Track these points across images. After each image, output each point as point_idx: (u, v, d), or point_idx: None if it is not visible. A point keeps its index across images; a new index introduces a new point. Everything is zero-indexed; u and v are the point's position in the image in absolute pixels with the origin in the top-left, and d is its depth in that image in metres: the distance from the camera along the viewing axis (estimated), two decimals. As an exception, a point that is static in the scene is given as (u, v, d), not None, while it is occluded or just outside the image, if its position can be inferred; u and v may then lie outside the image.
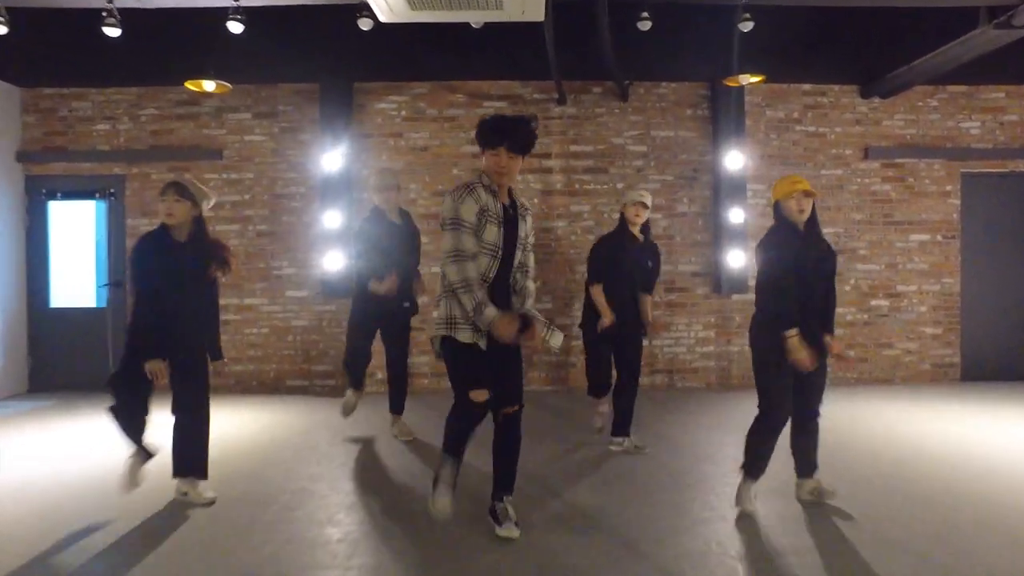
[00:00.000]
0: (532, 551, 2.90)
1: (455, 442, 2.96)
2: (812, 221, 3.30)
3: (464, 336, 2.88)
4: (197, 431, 3.48)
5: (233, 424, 5.30)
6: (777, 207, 3.34)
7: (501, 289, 2.99)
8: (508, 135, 2.86)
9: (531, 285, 3.14)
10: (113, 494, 3.46)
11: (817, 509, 3.35)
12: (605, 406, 4.61)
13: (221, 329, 3.70)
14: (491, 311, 2.78)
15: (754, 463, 3.32)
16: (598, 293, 4.35)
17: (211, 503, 3.46)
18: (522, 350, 3.12)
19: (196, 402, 3.45)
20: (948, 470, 3.99)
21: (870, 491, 3.62)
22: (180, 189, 3.32)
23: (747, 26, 4.53)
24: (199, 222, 3.43)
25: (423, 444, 4.60)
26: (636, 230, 4.44)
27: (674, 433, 4.93)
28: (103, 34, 4.50)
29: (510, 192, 3.03)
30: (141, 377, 3.25)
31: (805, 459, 3.44)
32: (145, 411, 3.42)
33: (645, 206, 4.41)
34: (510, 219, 2.97)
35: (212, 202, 3.49)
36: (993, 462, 4.13)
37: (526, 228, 3.06)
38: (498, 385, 2.97)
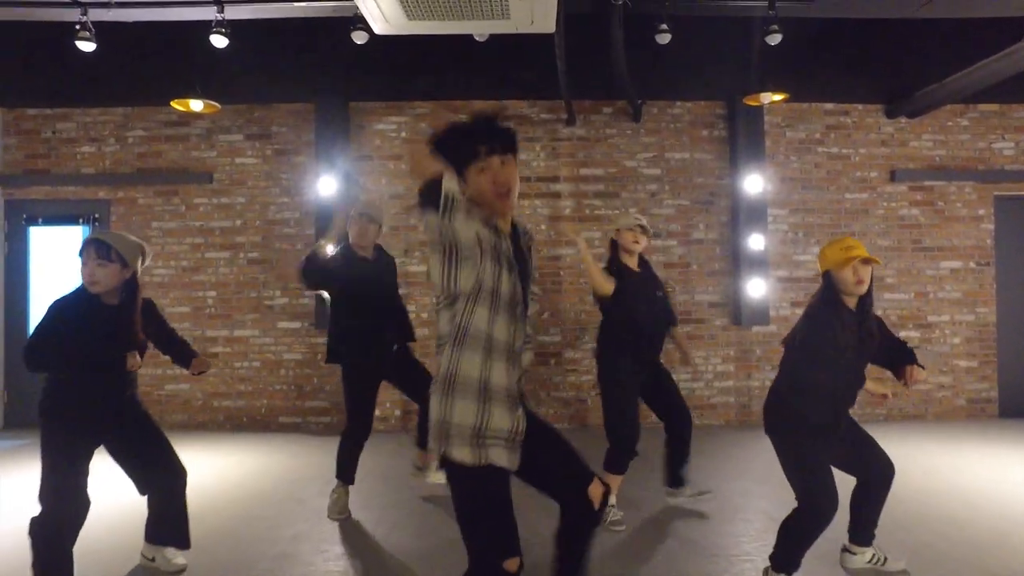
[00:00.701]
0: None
1: None
2: (867, 293, 2.73)
3: (499, 457, 1.84)
4: (176, 495, 3.01)
5: (218, 467, 4.89)
6: (827, 278, 2.76)
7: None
8: (489, 137, 1.91)
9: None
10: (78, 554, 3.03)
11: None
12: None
13: (209, 366, 3.25)
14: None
15: (791, 556, 2.77)
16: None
17: (180, 572, 3.04)
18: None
19: (166, 461, 3.00)
20: (996, 518, 3.55)
21: (911, 541, 3.17)
22: (103, 249, 2.69)
23: (775, 39, 4.17)
24: (131, 286, 2.81)
25: (428, 495, 4.17)
26: (633, 261, 3.75)
27: (693, 479, 4.49)
28: (87, 52, 4.20)
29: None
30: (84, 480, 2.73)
31: (868, 524, 2.98)
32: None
33: (644, 230, 3.73)
34: (521, 256, 1.99)
35: (149, 258, 2.90)
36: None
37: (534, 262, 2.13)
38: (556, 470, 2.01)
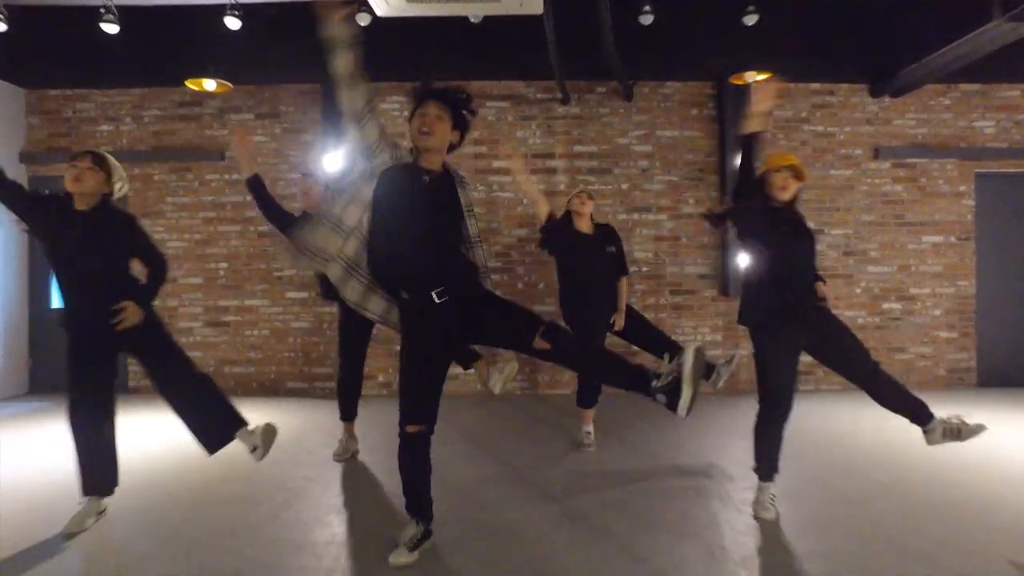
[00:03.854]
0: (526, 552, 2.79)
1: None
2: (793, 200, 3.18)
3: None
4: (205, 390, 3.17)
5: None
6: (762, 178, 3.17)
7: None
8: (430, 91, 2.65)
9: None
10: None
11: (828, 514, 3.22)
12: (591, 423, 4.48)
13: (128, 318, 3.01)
14: None
15: (765, 457, 3.19)
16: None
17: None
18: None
19: (180, 366, 3.13)
20: (970, 477, 3.83)
21: (886, 498, 3.47)
22: (98, 159, 2.97)
23: (751, 19, 4.44)
24: (109, 201, 3.04)
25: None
26: (583, 222, 4.40)
27: (678, 439, 4.80)
28: (107, 35, 4.49)
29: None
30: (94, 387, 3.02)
31: (908, 408, 3.16)
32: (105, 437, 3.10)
33: (589, 195, 4.42)
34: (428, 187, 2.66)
35: (124, 190, 3.14)
36: (1017, 468, 3.97)
37: (467, 199, 2.79)
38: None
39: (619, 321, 4.37)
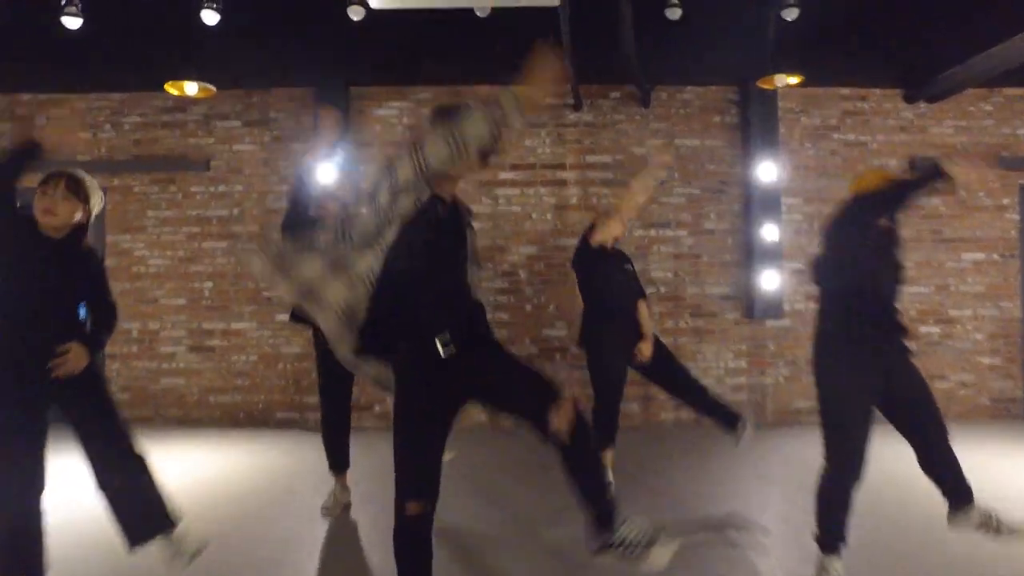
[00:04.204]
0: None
1: None
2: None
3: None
4: (139, 471, 2.63)
5: (212, 465, 4.76)
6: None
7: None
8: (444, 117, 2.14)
9: None
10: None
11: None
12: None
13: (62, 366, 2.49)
14: None
15: (828, 527, 2.63)
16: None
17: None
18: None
19: (117, 436, 2.61)
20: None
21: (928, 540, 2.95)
22: (73, 184, 2.53)
23: (792, 14, 3.96)
24: (80, 231, 2.61)
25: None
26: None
27: (705, 483, 4.28)
28: (86, 37, 4.06)
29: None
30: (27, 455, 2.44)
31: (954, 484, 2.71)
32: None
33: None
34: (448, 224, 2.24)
35: (99, 208, 2.69)
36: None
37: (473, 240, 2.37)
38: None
39: (645, 350, 3.85)
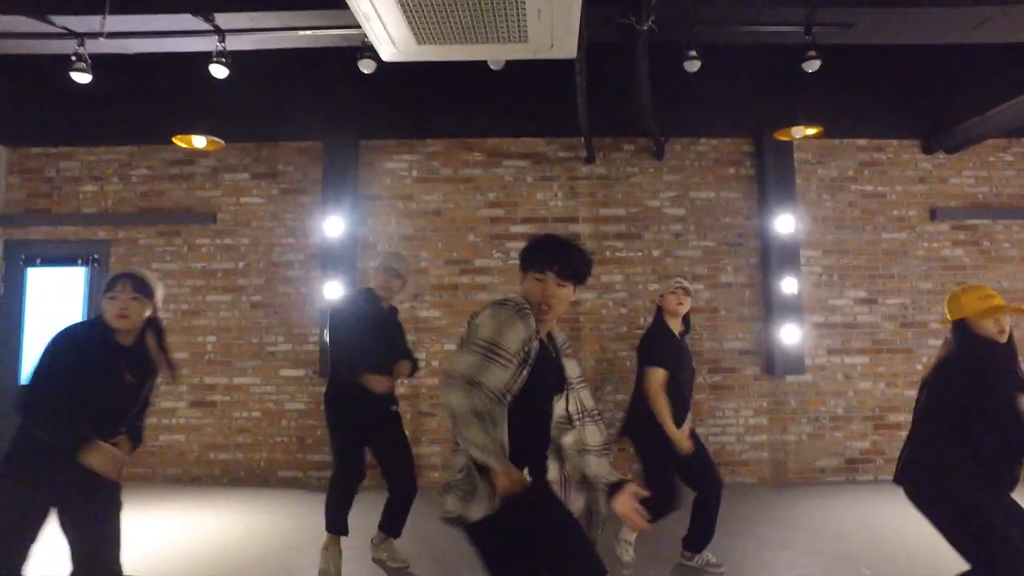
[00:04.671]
0: None
1: None
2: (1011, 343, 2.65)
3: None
4: None
5: (209, 527, 4.53)
6: (964, 327, 2.65)
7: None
8: (557, 257, 2.16)
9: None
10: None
11: None
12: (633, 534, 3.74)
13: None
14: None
15: None
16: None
17: None
18: None
19: (110, 556, 2.47)
20: None
21: None
22: (139, 284, 2.52)
23: (813, 66, 3.87)
24: (153, 325, 2.61)
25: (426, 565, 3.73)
26: (676, 323, 3.71)
27: (723, 535, 4.01)
28: (98, 91, 4.02)
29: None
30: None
31: None
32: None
33: (687, 292, 3.70)
34: (551, 360, 2.21)
35: (162, 297, 2.66)
36: None
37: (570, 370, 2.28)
38: None
39: (684, 442, 3.52)
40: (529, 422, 2.10)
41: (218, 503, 5.20)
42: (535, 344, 2.06)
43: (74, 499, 2.38)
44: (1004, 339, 2.58)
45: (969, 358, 2.59)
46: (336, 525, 3.59)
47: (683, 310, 3.66)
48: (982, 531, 2.40)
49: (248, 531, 4.51)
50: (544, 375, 2.12)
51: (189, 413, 5.98)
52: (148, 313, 2.54)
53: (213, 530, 4.50)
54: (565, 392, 2.22)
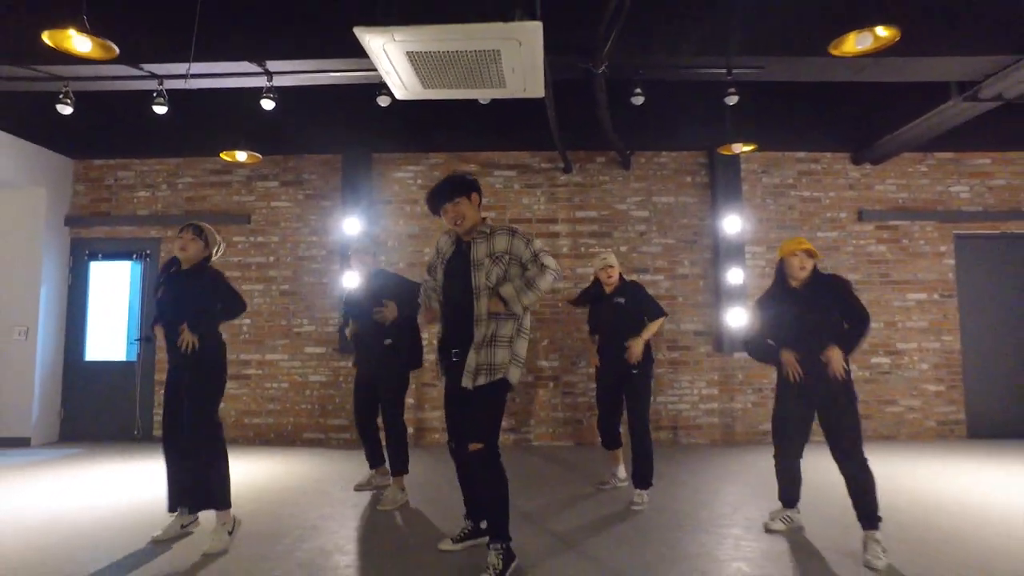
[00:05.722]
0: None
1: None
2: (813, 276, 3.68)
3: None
4: (209, 461, 3.60)
5: (250, 473, 5.54)
6: (779, 264, 3.76)
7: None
8: (440, 194, 3.28)
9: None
10: (137, 531, 3.71)
11: (825, 550, 3.49)
12: (620, 469, 4.94)
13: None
14: None
15: (779, 488, 3.84)
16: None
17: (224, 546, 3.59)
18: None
19: (200, 426, 3.58)
20: (958, 520, 4.08)
21: (890, 545, 3.62)
22: (197, 230, 3.71)
23: (732, 100, 4.94)
24: (206, 263, 3.75)
25: (434, 492, 4.80)
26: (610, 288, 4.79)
27: (675, 483, 5.08)
28: (149, 110, 5.05)
29: (487, 225, 3.35)
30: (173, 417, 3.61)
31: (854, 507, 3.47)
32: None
33: (611, 266, 4.78)
34: (462, 253, 3.31)
35: (222, 250, 3.82)
36: (1000, 513, 4.22)
37: (490, 249, 3.22)
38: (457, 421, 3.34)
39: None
40: (448, 311, 3.27)
41: (253, 459, 6.24)
42: (450, 250, 3.32)
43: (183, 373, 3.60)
44: (804, 274, 3.61)
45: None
46: (370, 456, 4.76)
47: (612, 281, 4.71)
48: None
49: (284, 474, 5.57)
50: (453, 274, 3.26)
51: (228, 385, 7.02)
52: (205, 253, 3.71)
53: (256, 474, 5.55)
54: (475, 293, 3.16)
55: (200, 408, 3.58)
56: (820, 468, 4.66)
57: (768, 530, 3.81)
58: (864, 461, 3.38)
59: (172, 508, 3.75)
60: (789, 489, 3.86)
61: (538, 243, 3.31)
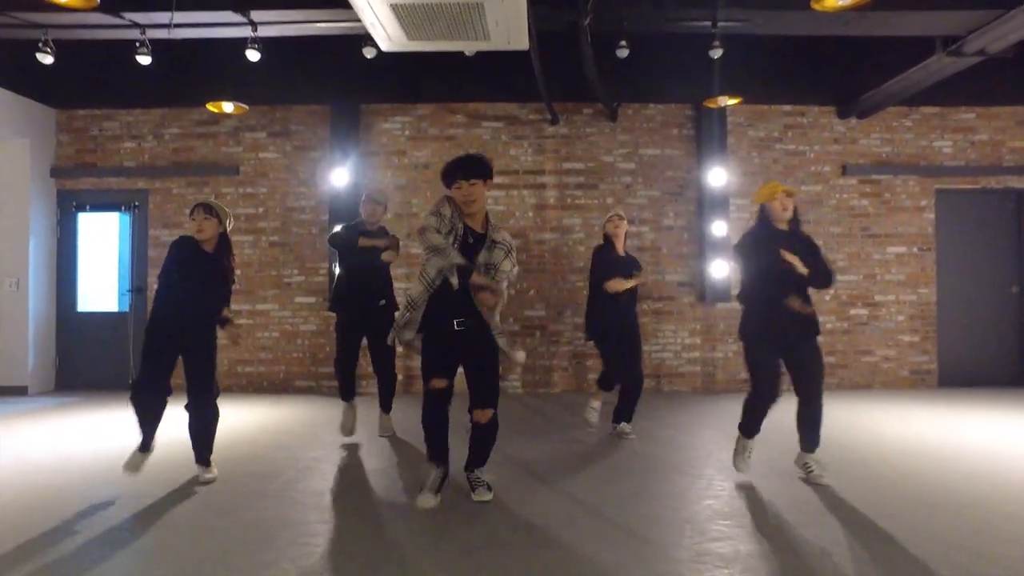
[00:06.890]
0: (510, 521, 3.28)
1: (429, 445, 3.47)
2: (794, 220, 3.79)
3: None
4: (210, 419, 3.83)
5: (243, 418, 5.72)
6: (761, 209, 3.80)
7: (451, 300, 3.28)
8: (461, 168, 3.32)
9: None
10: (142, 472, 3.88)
11: (792, 491, 3.69)
12: (598, 402, 5.04)
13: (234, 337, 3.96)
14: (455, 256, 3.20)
15: (746, 424, 3.85)
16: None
17: (213, 479, 3.84)
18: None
19: (207, 390, 3.78)
20: (934, 467, 4.28)
21: (849, 483, 3.79)
22: (209, 208, 3.73)
23: (716, 53, 4.97)
24: (224, 237, 3.81)
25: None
26: (620, 244, 4.90)
27: (657, 427, 5.29)
28: (132, 60, 5.03)
29: (489, 223, 3.46)
30: (160, 372, 3.67)
31: (803, 436, 3.78)
32: (161, 407, 3.76)
33: (621, 218, 4.91)
34: (469, 246, 3.33)
35: (231, 223, 3.85)
36: (969, 458, 4.44)
37: (488, 258, 3.35)
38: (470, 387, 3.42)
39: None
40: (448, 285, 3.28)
41: (245, 406, 6.40)
42: (459, 225, 3.29)
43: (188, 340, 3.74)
44: (787, 215, 3.70)
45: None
46: (345, 393, 4.92)
47: (621, 233, 4.84)
48: (749, 364, 3.76)
49: (276, 420, 5.75)
50: (460, 251, 3.26)
51: (220, 334, 7.16)
52: (220, 229, 3.74)
53: (249, 419, 5.72)
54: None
55: (211, 376, 3.82)
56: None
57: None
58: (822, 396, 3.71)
59: (145, 448, 3.83)
60: (758, 425, 3.91)
61: (514, 257, 3.47)
